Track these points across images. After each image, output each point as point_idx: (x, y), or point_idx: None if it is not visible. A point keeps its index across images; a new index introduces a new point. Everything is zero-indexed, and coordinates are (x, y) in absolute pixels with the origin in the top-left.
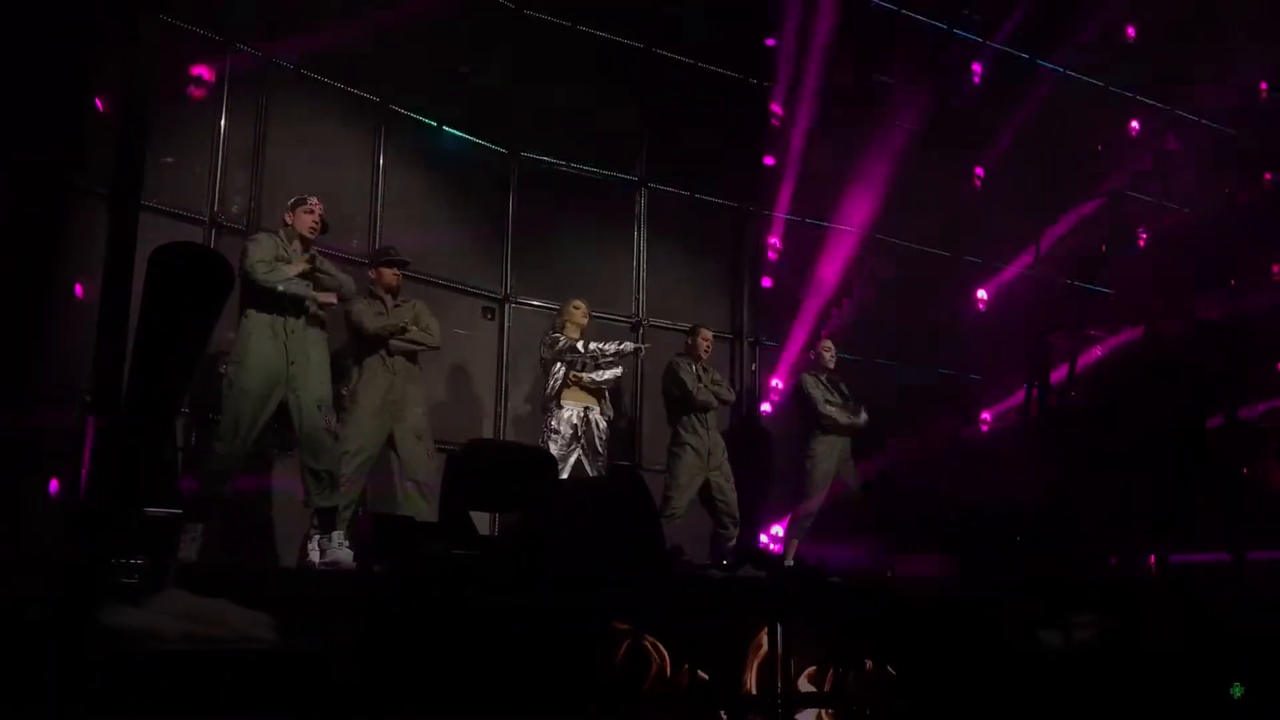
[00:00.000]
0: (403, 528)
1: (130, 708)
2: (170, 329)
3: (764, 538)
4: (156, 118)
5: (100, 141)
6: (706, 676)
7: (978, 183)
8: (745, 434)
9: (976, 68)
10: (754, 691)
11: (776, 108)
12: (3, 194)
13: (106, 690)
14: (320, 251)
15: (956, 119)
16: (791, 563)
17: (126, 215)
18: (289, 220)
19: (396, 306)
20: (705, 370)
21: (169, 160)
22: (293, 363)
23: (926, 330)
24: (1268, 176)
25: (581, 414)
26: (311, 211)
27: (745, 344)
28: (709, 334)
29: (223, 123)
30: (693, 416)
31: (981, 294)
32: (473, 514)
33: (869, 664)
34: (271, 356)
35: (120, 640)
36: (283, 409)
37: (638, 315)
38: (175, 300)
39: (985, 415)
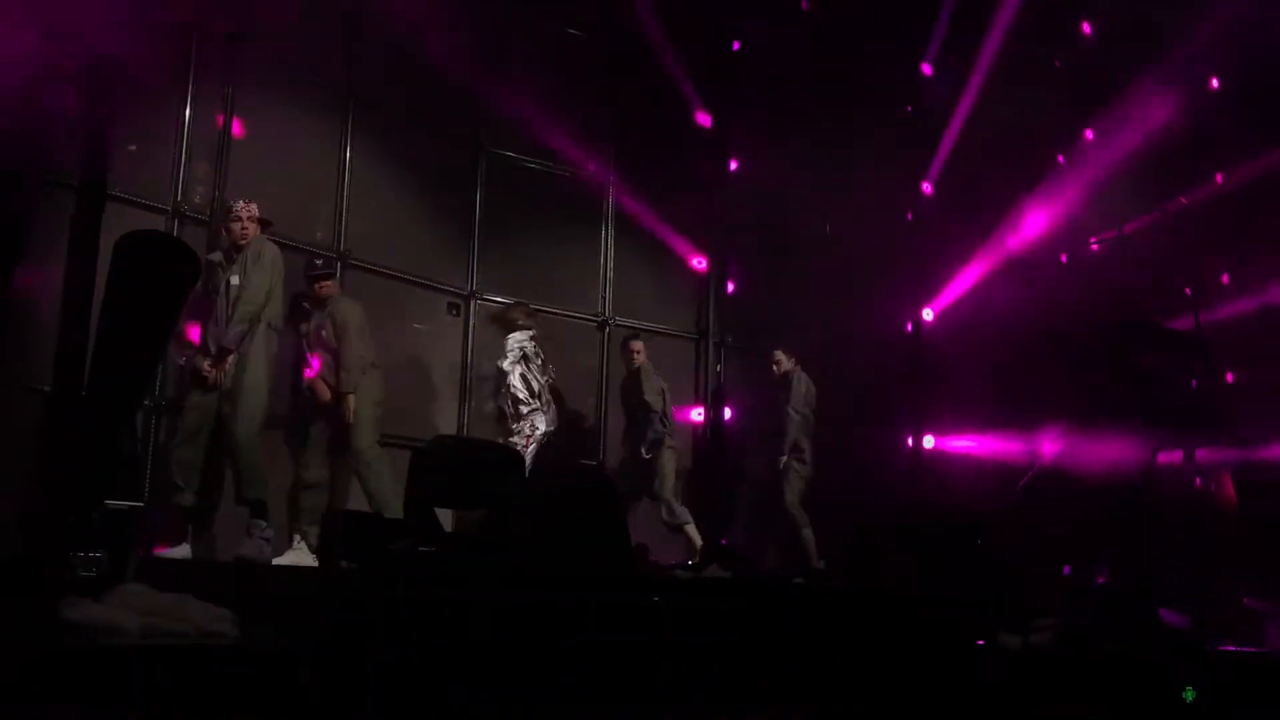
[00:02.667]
0: (368, 525)
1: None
2: (134, 318)
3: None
4: (120, 106)
5: (62, 130)
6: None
7: (928, 188)
8: (709, 437)
9: (926, 69)
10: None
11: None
12: None
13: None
14: (282, 242)
15: (906, 125)
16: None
17: (91, 204)
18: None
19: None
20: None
21: (132, 149)
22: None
23: (868, 341)
24: (1219, 178)
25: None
26: (239, 219)
27: (710, 345)
28: (637, 344)
29: (188, 112)
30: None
31: (928, 313)
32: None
33: (838, 660)
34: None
35: (81, 635)
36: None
37: (604, 314)
38: (140, 289)
39: (932, 435)
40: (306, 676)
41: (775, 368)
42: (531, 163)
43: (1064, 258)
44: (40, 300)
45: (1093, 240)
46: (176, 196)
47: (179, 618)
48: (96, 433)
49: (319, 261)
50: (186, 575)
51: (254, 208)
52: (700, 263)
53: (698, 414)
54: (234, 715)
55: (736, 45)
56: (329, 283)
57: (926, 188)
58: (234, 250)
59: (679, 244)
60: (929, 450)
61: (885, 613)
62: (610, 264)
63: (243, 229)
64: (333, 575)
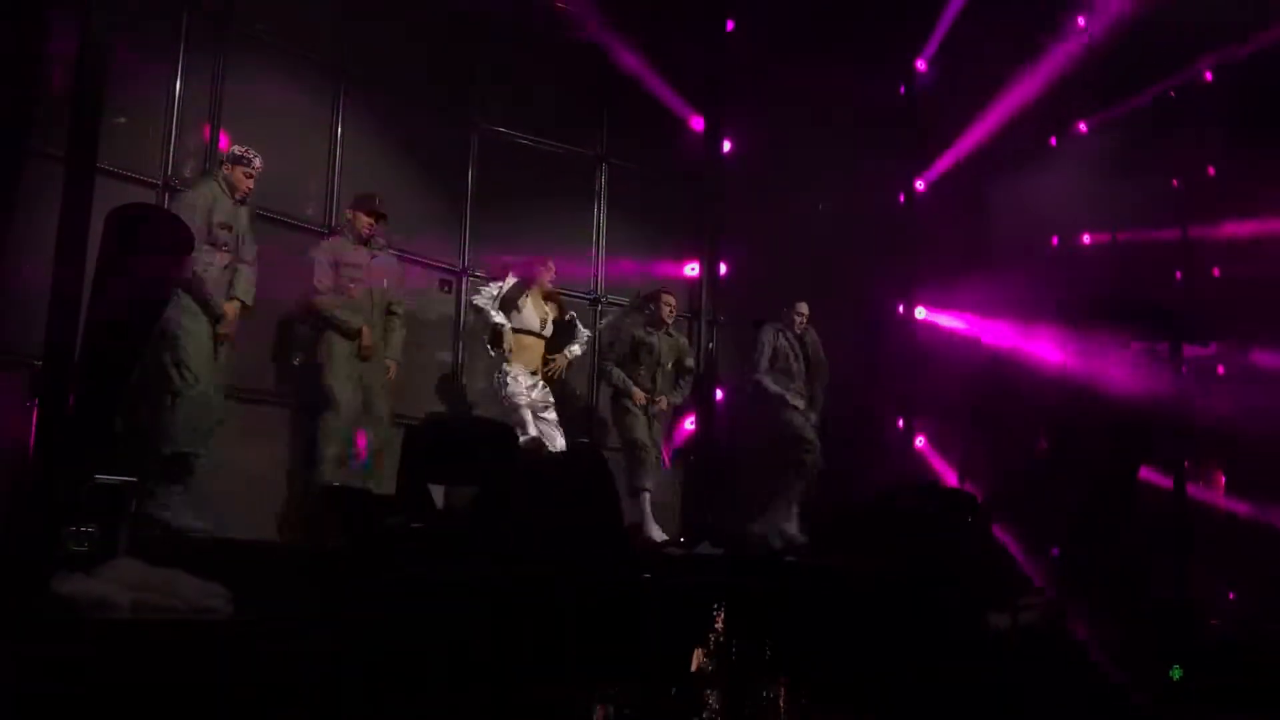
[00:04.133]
0: (361, 502)
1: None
2: (126, 290)
3: None
4: (110, 78)
5: (52, 101)
6: (658, 650)
7: (921, 185)
8: (700, 416)
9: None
10: (707, 667)
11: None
12: None
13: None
14: (269, 215)
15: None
16: None
17: (81, 176)
18: (227, 172)
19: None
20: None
21: (121, 121)
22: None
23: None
24: (1211, 171)
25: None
26: (251, 175)
27: (703, 323)
28: (671, 298)
29: (178, 85)
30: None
31: (920, 311)
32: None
33: (820, 639)
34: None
35: (73, 609)
36: None
37: (596, 291)
38: (132, 261)
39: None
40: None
41: (801, 319)
42: (524, 139)
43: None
44: (31, 273)
45: (1085, 235)
46: (167, 170)
47: (170, 593)
48: (88, 407)
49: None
50: (178, 550)
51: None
52: (693, 269)
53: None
54: (226, 690)
55: (730, 25)
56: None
57: (920, 185)
58: (237, 201)
59: (673, 219)
60: (920, 434)
61: (876, 590)
62: (602, 241)
63: (250, 187)
64: (326, 551)
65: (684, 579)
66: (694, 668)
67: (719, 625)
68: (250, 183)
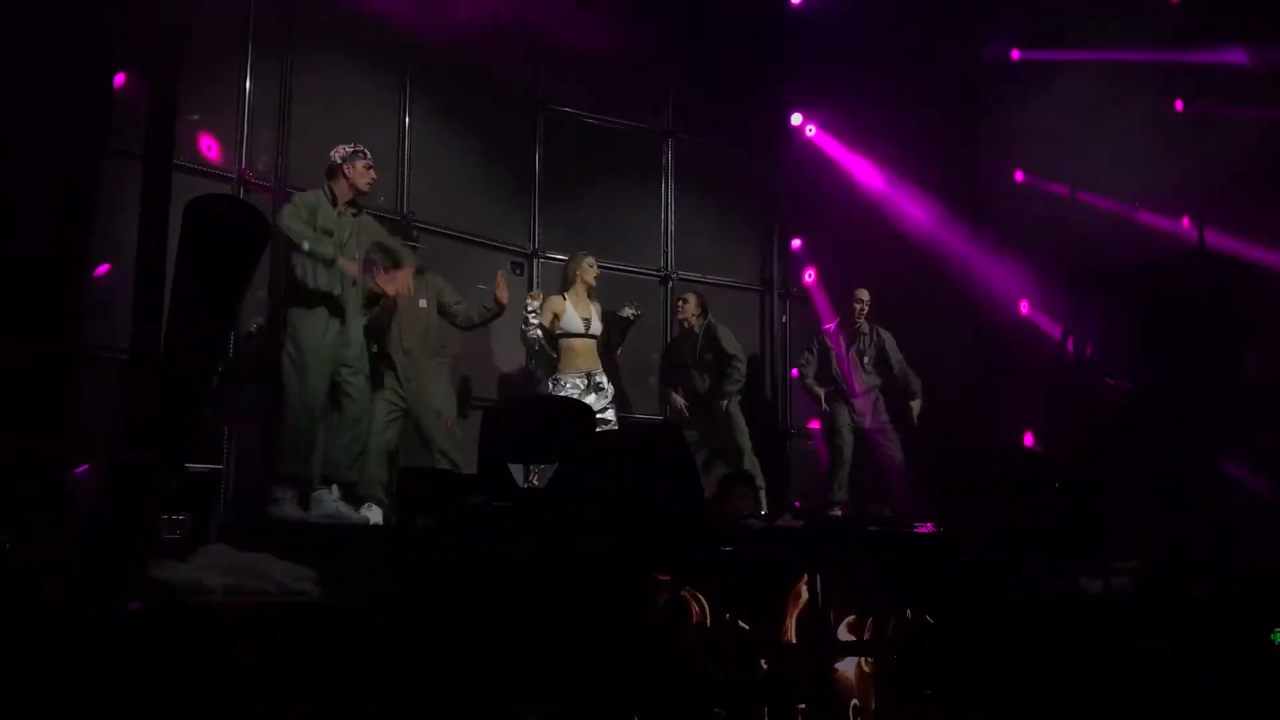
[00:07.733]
0: (443, 482)
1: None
2: (206, 280)
3: None
4: (181, 75)
5: (129, 102)
6: (746, 626)
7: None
8: (770, 391)
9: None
10: (794, 641)
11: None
12: (36, 158)
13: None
14: None
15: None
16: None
17: (160, 172)
18: (348, 174)
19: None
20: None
21: (195, 118)
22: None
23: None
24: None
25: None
26: (371, 166)
27: (775, 295)
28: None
29: (248, 84)
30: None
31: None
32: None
33: (908, 612)
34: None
35: (167, 594)
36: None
37: (666, 268)
38: (211, 251)
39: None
40: (384, 632)
41: (862, 306)
42: (590, 118)
43: None
44: (115, 270)
45: None
46: (240, 164)
47: (262, 576)
48: (174, 399)
49: None
50: (266, 536)
51: None
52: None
53: None
54: (315, 670)
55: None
56: None
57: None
58: (344, 206)
59: (742, 192)
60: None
61: (967, 558)
62: (671, 217)
63: (371, 181)
64: (411, 531)
65: (766, 551)
66: (783, 639)
67: (805, 596)
68: (366, 177)
